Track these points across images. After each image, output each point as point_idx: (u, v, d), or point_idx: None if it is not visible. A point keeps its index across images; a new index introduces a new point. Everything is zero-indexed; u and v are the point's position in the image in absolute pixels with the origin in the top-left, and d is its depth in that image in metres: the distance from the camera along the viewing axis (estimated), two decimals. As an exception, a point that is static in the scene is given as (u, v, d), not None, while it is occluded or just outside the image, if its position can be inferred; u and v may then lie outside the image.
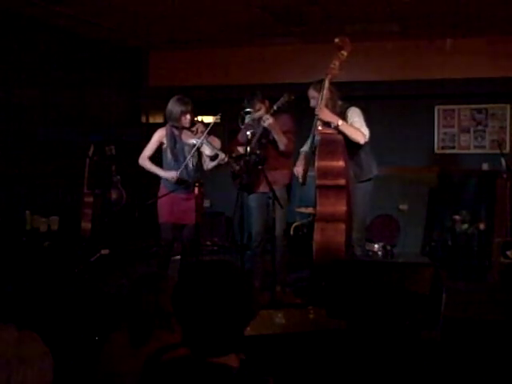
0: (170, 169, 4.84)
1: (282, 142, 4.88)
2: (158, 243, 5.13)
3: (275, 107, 4.78)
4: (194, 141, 4.74)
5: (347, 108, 4.68)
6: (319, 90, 4.57)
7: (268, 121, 4.77)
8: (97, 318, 3.89)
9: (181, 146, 4.84)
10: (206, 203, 7.61)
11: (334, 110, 4.59)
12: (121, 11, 5.69)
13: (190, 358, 1.59)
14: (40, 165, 6.12)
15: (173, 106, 4.77)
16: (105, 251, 5.80)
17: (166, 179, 4.84)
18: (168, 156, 4.85)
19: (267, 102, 4.97)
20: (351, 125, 4.57)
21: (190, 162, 4.80)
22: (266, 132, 4.87)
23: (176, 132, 4.82)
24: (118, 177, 6.60)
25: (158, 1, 5.38)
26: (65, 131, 6.42)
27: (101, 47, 7.02)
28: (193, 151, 4.74)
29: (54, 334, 3.35)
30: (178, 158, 4.81)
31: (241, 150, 5.02)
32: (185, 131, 4.80)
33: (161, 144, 4.90)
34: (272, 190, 4.58)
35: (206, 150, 4.75)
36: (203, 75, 7.42)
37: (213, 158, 4.81)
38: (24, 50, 5.94)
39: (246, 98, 4.93)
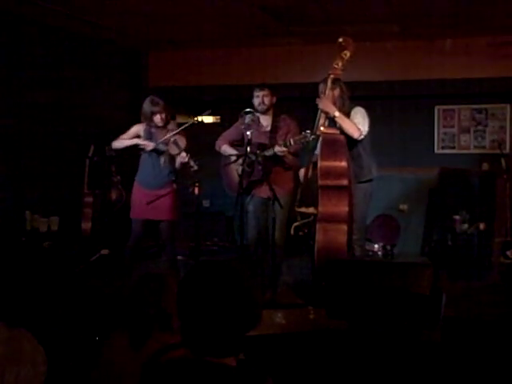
0: (144, 165, 5.07)
1: (288, 161, 4.91)
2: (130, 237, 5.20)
3: (292, 141, 4.66)
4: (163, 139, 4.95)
5: (352, 108, 4.69)
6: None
7: (281, 154, 4.75)
8: (97, 318, 3.89)
9: (156, 142, 5.00)
10: (206, 203, 7.60)
11: (342, 109, 4.60)
12: (121, 11, 5.68)
13: (189, 358, 1.59)
14: (40, 165, 6.12)
15: (145, 107, 5.00)
16: (105, 251, 5.82)
17: (141, 175, 5.07)
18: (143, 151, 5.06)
19: (275, 99, 4.98)
20: (350, 120, 4.57)
21: (162, 159, 4.99)
22: (275, 154, 4.82)
23: (153, 129, 5.03)
24: (118, 177, 6.61)
25: (157, 1, 5.37)
26: (65, 131, 6.42)
27: (101, 47, 7.02)
28: (160, 142, 4.90)
29: (53, 334, 3.35)
30: (151, 154, 4.99)
31: (228, 150, 5.09)
32: (160, 129, 5.01)
33: (137, 137, 5.08)
34: (272, 189, 4.58)
35: (172, 150, 4.91)
36: (203, 75, 7.42)
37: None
38: (23, 49, 5.93)
39: (257, 85, 4.96)
